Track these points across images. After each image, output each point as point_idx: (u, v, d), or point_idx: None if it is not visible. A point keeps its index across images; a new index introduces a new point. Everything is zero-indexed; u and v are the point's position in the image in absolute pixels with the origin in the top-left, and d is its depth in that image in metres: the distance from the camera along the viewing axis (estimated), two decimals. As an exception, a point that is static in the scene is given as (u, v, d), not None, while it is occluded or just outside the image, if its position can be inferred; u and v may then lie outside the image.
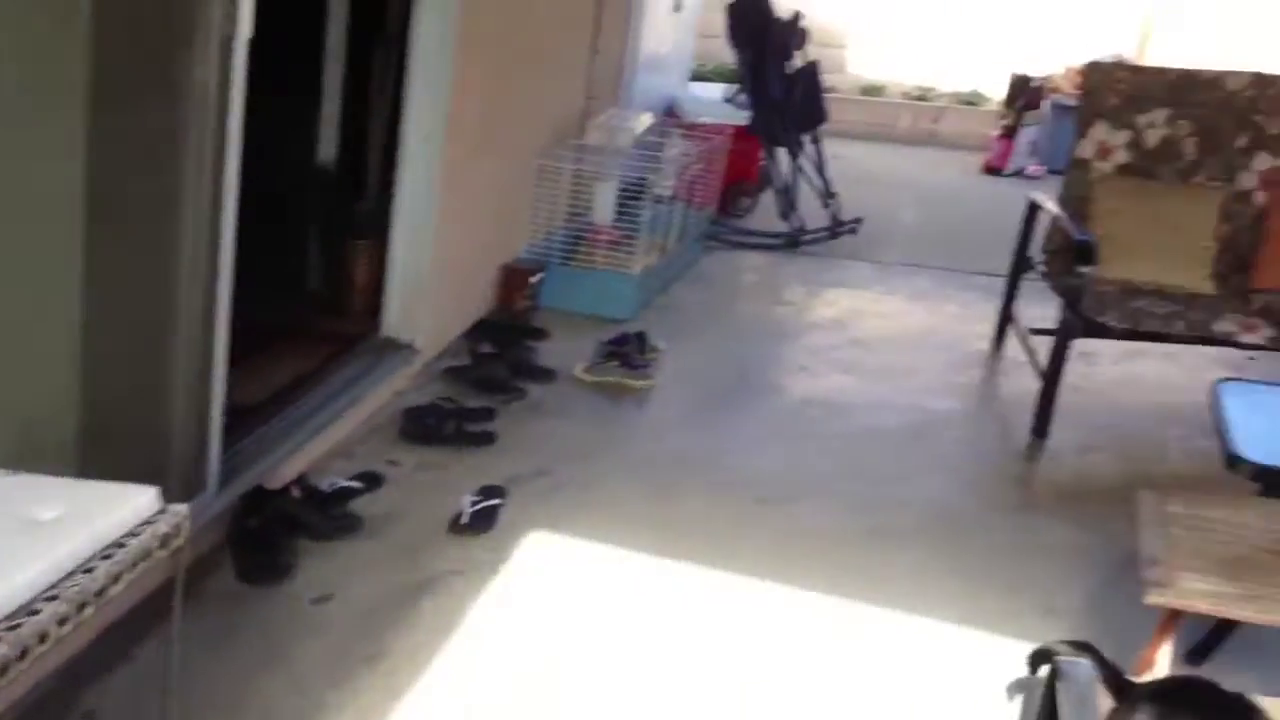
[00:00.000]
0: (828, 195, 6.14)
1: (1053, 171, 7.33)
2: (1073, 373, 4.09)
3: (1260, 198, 4.45)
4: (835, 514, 3.60)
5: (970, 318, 5.14)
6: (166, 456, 2.77)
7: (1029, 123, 7.70)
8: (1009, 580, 3.27)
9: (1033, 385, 4.16)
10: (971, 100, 8.68)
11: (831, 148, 6.36)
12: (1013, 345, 4.73)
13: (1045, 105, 7.73)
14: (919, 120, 8.53)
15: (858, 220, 6.14)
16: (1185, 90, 4.52)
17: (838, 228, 6.10)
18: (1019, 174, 7.66)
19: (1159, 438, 4.22)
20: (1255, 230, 4.41)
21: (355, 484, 3.41)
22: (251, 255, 2.94)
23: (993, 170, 7.70)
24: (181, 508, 2.09)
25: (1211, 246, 4.35)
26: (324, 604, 2.88)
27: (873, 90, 8.80)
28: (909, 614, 3.06)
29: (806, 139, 6.22)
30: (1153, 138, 4.51)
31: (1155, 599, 2.36)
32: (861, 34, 9.07)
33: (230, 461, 3.08)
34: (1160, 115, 4.50)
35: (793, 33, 6.21)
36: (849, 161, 6.95)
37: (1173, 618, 2.43)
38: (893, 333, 5.04)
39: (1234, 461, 2.79)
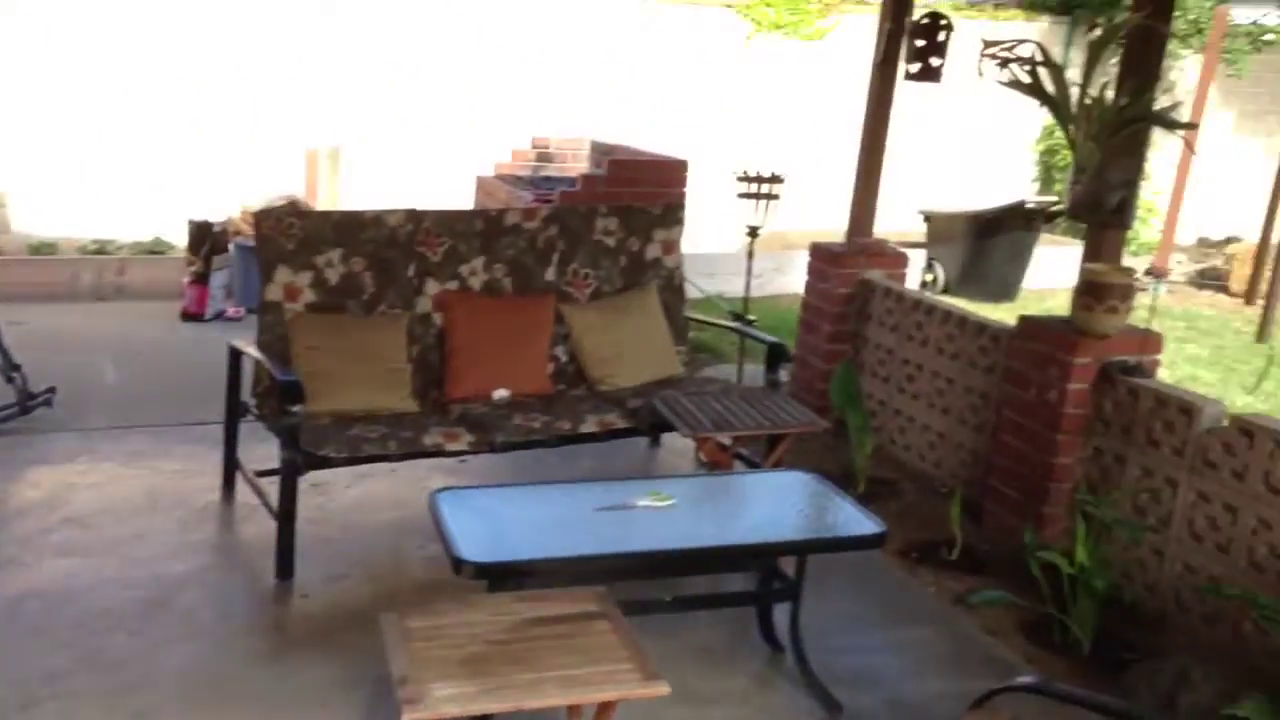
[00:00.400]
0: (10, 368, 5.60)
1: (251, 311, 7.42)
2: (308, 506, 4.15)
3: (438, 319, 4.92)
4: (81, 713, 3.27)
5: (195, 471, 4.99)
6: None
7: (219, 266, 7.73)
8: (276, 733, 3.22)
9: (270, 527, 4.15)
10: (156, 249, 8.50)
11: (9, 313, 5.82)
12: (244, 491, 4.68)
13: (231, 248, 7.83)
14: (103, 275, 8.12)
15: (51, 390, 5.67)
16: (352, 230, 4.84)
17: (29, 402, 5.58)
18: (220, 317, 7.63)
19: (399, 552, 4.43)
20: (440, 349, 4.86)
21: None
22: None
23: (191, 317, 7.58)
24: None
25: (406, 368, 4.71)
26: None
27: (45, 248, 8.25)
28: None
29: (-26, 310, 5.63)
30: (334, 276, 4.77)
31: (410, 716, 2.47)
32: (23, 191, 8.48)
33: None
34: (335, 255, 4.78)
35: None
36: (30, 328, 6.39)
37: (429, 729, 2.55)
38: (112, 502, 4.72)
39: (459, 565, 3.03)
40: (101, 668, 3.52)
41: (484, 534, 3.20)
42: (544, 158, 9.39)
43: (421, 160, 9.48)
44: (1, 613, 3.82)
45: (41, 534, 4.40)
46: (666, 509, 3.51)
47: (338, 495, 4.83)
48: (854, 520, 3.58)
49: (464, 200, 8.57)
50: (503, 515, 3.42)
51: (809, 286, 6.27)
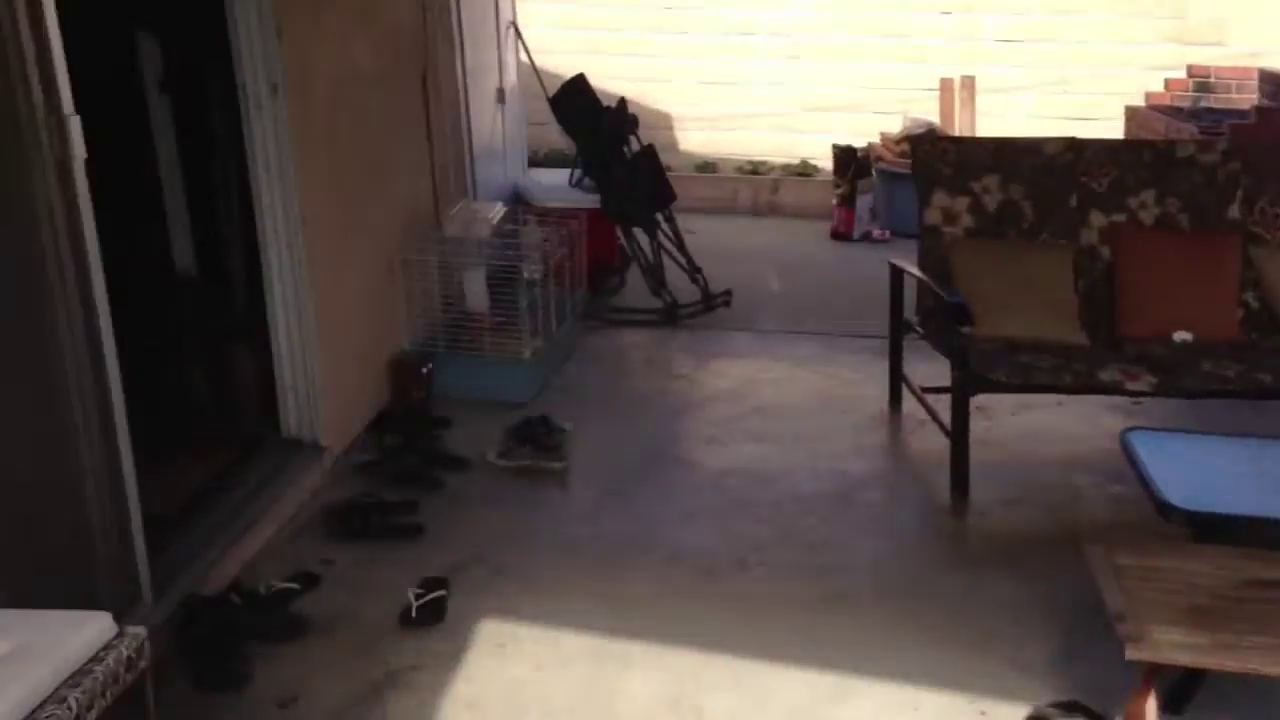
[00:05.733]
0: (694, 270, 6.20)
1: (896, 233, 7.59)
2: (973, 428, 4.15)
3: (1105, 252, 4.70)
4: (785, 581, 3.61)
5: (861, 380, 5.18)
6: (93, 574, 2.78)
7: (863, 190, 7.94)
8: (972, 638, 3.30)
9: (938, 442, 4.24)
10: (804, 171, 8.92)
11: (682, 223, 6.44)
12: (910, 403, 4.80)
13: (874, 173, 8.01)
14: (758, 193, 8.69)
15: (728, 293, 6.19)
16: (1009, 156, 4.78)
17: (711, 300, 6.14)
18: (866, 238, 7.86)
19: (1074, 486, 4.30)
20: (1108, 283, 4.64)
21: (293, 585, 3.41)
22: (129, 366, 2.95)
23: (840, 236, 7.88)
24: (139, 630, 2.20)
25: (1072, 300, 4.56)
26: (291, 707, 2.87)
27: (707, 167, 8.96)
28: (886, 680, 3.08)
29: (660, 217, 6.28)
30: (991, 202, 4.74)
31: (1134, 654, 2.42)
32: (688, 115, 9.24)
33: (159, 572, 3.08)
34: (992, 181, 4.75)
35: (624, 118, 6.33)
36: (702, 235, 6.96)
37: (1153, 671, 2.49)
38: (792, 399, 5.05)
39: (1166, 510, 2.91)
40: (797, 544, 3.85)
41: (1191, 482, 3.04)
42: (1203, 88, 8.59)
43: (1055, 90, 9.02)
44: (709, 484, 4.30)
45: (734, 419, 4.85)
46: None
47: (1002, 421, 4.78)
48: None
49: (1107, 130, 8.06)
50: (1205, 464, 3.23)
51: None
